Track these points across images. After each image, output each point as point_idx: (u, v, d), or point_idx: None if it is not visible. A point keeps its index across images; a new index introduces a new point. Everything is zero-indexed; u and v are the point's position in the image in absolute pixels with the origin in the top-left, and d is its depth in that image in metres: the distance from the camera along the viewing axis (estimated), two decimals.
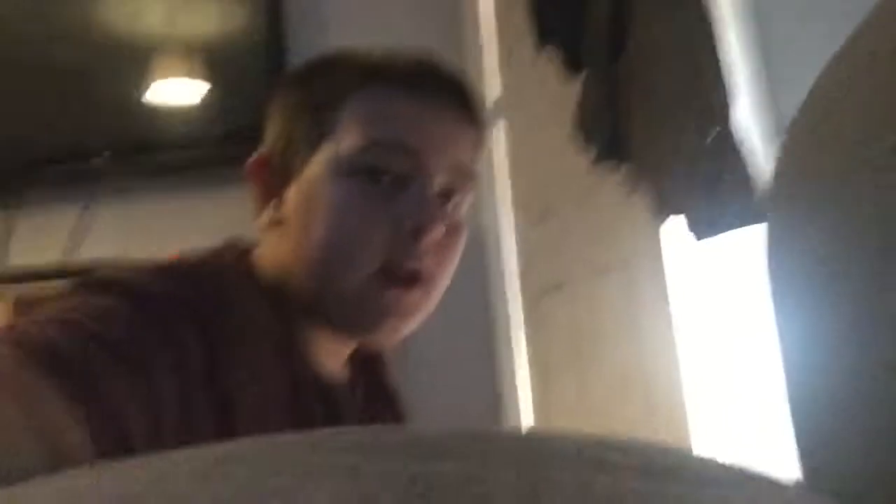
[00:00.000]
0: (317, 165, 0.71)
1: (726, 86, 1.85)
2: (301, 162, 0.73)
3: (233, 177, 3.07)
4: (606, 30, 1.91)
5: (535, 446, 0.24)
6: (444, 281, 0.75)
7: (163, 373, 0.54)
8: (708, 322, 2.56)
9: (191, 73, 2.85)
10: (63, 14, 2.94)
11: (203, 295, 0.62)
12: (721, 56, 1.86)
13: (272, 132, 0.78)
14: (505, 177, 2.90)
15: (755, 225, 1.83)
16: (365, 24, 3.06)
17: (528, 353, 2.75)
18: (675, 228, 1.95)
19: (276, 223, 0.74)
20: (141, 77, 2.85)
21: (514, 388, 2.74)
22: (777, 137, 2.75)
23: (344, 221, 0.69)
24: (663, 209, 1.85)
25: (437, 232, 0.70)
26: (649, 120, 1.82)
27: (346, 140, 0.70)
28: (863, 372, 0.27)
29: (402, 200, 0.69)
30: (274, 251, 0.75)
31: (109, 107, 2.87)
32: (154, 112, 2.87)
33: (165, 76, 2.86)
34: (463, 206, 0.77)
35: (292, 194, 0.73)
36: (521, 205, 2.81)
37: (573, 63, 2.11)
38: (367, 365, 0.88)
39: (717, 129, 1.75)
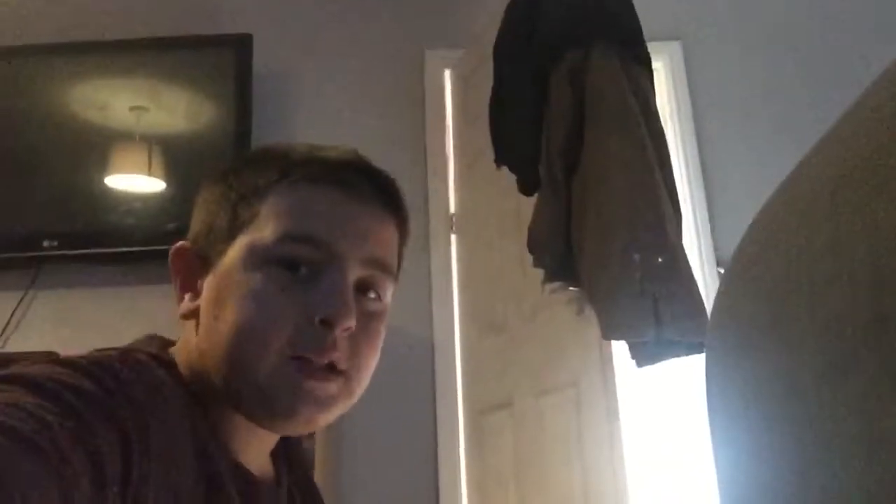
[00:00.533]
0: (232, 255, 0.72)
1: (674, 212, 1.92)
2: (218, 252, 0.73)
3: None
4: (562, 152, 1.99)
5: None
6: (365, 371, 0.73)
7: (75, 472, 0.52)
8: (657, 442, 2.55)
9: (148, 170, 2.86)
10: (27, 100, 2.95)
11: (119, 390, 0.60)
12: (670, 182, 1.95)
13: (195, 223, 0.78)
14: (456, 290, 2.92)
15: (695, 355, 1.87)
16: (331, 129, 3.14)
17: (466, 469, 2.70)
18: (624, 348, 1.98)
19: (193, 313, 0.74)
20: (98, 169, 2.85)
21: (456, 502, 2.67)
22: (715, 268, 2.84)
23: (255, 307, 0.69)
24: (608, 335, 1.87)
25: (347, 322, 0.69)
26: (599, 242, 1.87)
27: (262, 231, 0.71)
28: (803, 498, 0.27)
29: (314, 291, 0.69)
30: (189, 342, 0.74)
31: (62, 195, 2.85)
32: (107, 204, 2.85)
33: (123, 170, 2.86)
34: (384, 297, 0.76)
35: (207, 284, 0.73)
36: (470, 319, 2.82)
37: (528, 184, 2.18)
38: (294, 464, 0.85)
39: (665, 253, 1.81)
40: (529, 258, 2.12)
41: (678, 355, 1.83)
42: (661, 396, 2.61)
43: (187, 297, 0.76)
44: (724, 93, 3.11)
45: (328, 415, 0.71)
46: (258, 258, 0.70)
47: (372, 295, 0.74)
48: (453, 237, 2.98)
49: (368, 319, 0.73)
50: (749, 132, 3.04)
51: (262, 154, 0.78)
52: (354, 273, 0.72)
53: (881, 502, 0.23)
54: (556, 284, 2.12)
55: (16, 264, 2.81)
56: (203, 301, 0.73)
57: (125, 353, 0.69)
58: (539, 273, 2.11)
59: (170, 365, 0.72)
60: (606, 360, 2.07)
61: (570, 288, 2.10)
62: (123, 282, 2.87)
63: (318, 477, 2.45)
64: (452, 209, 3.01)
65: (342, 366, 0.70)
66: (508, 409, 2.49)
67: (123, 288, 2.87)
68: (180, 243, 0.78)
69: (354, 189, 0.74)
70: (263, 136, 3.03)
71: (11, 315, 2.82)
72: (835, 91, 2.90)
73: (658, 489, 2.49)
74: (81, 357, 0.64)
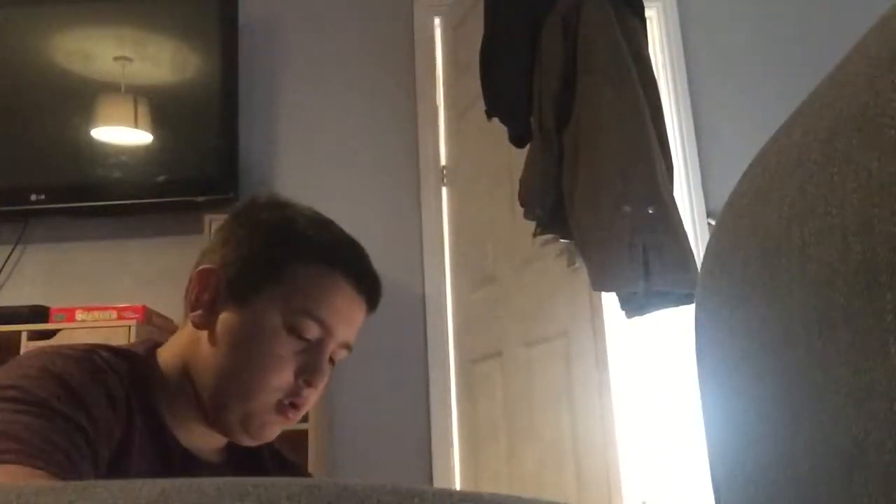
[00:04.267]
0: (262, 306, 0.91)
1: (666, 163, 1.92)
2: (248, 293, 0.92)
3: (166, 225, 3.00)
4: (554, 103, 1.97)
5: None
6: (309, 407, 0.96)
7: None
8: (645, 392, 2.59)
9: (135, 122, 2.82)
10: (10, 51, 2.89)
11: (112, 381, 0.84)
12: (662, 133, 1.94)
13: (225, 255, 0.95)
14: (447, 242, 2.93)
15: (685, 306, 1.88)
16: (320, 80, 3.09)
17: (458, 418, 2.73)
18: (614, 299, 1.99)
19: (203, 327, 0.93)
20: (84, 121, 2.81)
21: (448, 452, 2.71)
22: (706, 220, 2.85)
23: (268, 360, 0.90)
24: (598, 286, 1.88)
25: (320, 384, 0.93)
26: (590, 193, 1.87)
27: (292, 298, 0.91)
28: (786, 452, 0.28)
29: (307, 359, 0.91)
30: (189, 348, 0.93)
31: (48, 148, 2.81)
32: (94, 156, 2.82)
33: (109, 122, 2.82)
34: (337, 363, 0.98)
35: (231, 313, 0.92)
36: (461, 271, 2.83)
37: (519, 135, 2.16)
38: (246, 458, 1.02)
39: (656, 205, 1.81)
40: (521, 210, 2.12)
41: (667, 306, 1.85)
42: (650, 347, 2.63)
43: (202, 310, 0.93)
44: (716, 42, 3.07)
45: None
46: (281, 321, 0.90)
47: (333, 363, 0.97)
48: (444, 189, 2.97)
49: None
50: (741, 82, 3.02)
51: (305, 221, 0.96)
52: (333, 349, 0.95)
53: (869, 451, 0.23)
54: (547, 236, 2.12)
55: (4, 218, 2.79)
56: (222, 325, 0.92)
57: (126, 351, 0.91)
58: (530, 225, 2.11)
59: (152, 365, 0.92)
60: (596, 311, 2.09)
61: (561, 240, 2.10)
62: (112, 235, 2.86)
63: (310, 429, 2.48)
64: (443, 161, 2.99)
65: (304, 408, 0.94)
66: (499, 359, 2.52)
67: (112, 241, 2.86)
68: (211, 267, 0.95)
69: (362, 287, 0.95)
70: (250, 87, 2.99)
71: (1, 268, 2.81)
72: (829, 40, 2.88)
73: (646, 438, 2.53)
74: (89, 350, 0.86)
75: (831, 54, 0.39)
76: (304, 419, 2.53)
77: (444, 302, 2.85)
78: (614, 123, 1.85)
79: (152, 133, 2.83)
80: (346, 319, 0.94)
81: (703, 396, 0.38)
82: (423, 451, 2.73)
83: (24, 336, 2.46)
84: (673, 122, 2.88)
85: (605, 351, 2.04)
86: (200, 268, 0.95)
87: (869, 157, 0.25)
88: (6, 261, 2.82)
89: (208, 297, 0.93)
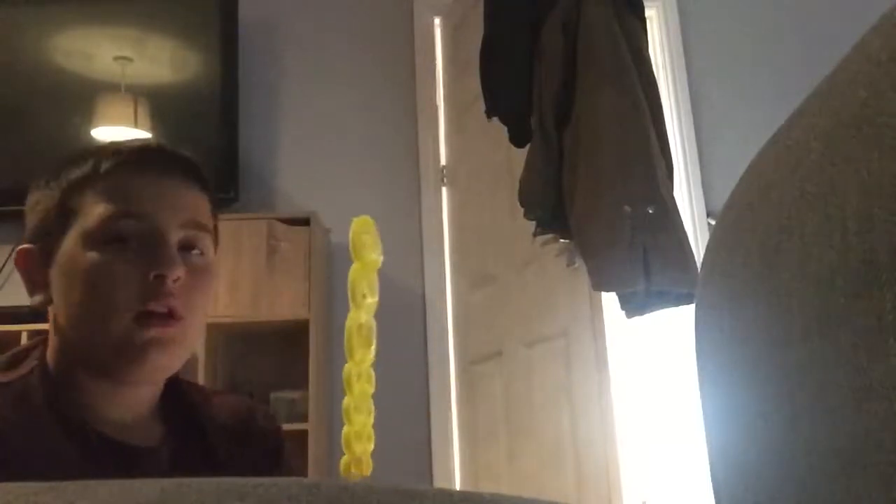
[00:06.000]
0: (69, 244, 0.86)
1: (666, 162, 1.92)
2: (54, 248, 0.87)
3: None
4: (554, 103, 1.97)
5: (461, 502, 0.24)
6: (199, 316, 0.88)
7: None
8: (645, 391, 2.59)
9: (135, 122, 2.82)
10: (10, 50, 2.89)
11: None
12: (662, 133, 1.94)
13: (29, 227, 0.91)
14: (447, 242, 2.92)
15: (685, 306, 1.88)
16: (319, 79, 3.09)
17: (458, 418, 2.73)
18: (614, 299, 1.99)
19: (49, 302, 0.89)
20: (84, 120, 2.81)
21: (448, 452, 2.71)
22: (706, 219, 2.85)
23: (99, 280, 0.83)
24: (598, 286, 1.88)
25: (175, 273, 0.84)
26: (590, 193, 1.87)
27: (90, 217, 0.85)
28: (786, 452, 0.28)
29: (144, 255, 0.84)
30: (56, 330, 0.89)
31: (48, 147, 2.81)
32: None
33: (109, 122, 2.82)
34: (207, 252, 0.90)
35: (53, 274, 0.87)
36: (461, 271, 2.83)
37: (519, 135, 2.16)
38: (186, 428, 0.94)
39: (656, 205, 1.81)
40: (521, 210, 2.12)
41: (667, 306, 1.85)
42: (650, 347, 2.63)
43: (40, 290, 0.89)
44: (716, 41, 3.07)
45: (173, 358, 0.87)
46: (93, 241, 0.84)
47: (196, 251, 0.89)
48: (444, 189, 2.97)
49: (196, 272, 0.88)
50: (741, 81, 3.02)
51: (75, 155, 0.91)
52: (176, 235, 0.87)
53: (869, 451, 0.23)
54: (547, 236, 2.12)
55: (4, 218, 2.79)
56: (54, 290, 0.88)
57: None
58: (530, 225, 2.11)
59: (42, 360, 0.88)
60: (596, 311, 2.08)
61: (561, 239, 2.10)
62: None
63: (310, 429, 2.48)
64: (443, 161, 2.99)
65: (180, 312, 0.84)
66: (499, 359, 2.52)
67: None
68: (23, 246, 0.91)
69: (158, 168, 0.89)
70: (250, 86, 2.99)
71: (1, 268, 2.81)
72: (829, 39, 2.87)
73: (646, 438, 2.53)
74: None
75: (831, 54, 0.39)
76: (304, 419, 2.52)
77: (444, 302, 2.84)
78: (614, 123, 1.85)
79: (152, 133, 2.83)
80: (160, 198, 0.87)
81: (702, 396, 0.38)
82: (423, 451, 2.73)
83: (24, 336, 2.46)
84: (673, 122, 2.88)
85: (605, 351, 2.04)
86: (15, 252, 0.91)
87: (869, 157, 0.25)
88: (6, 261, 2.82)
89: (36, 275, 0.89)
